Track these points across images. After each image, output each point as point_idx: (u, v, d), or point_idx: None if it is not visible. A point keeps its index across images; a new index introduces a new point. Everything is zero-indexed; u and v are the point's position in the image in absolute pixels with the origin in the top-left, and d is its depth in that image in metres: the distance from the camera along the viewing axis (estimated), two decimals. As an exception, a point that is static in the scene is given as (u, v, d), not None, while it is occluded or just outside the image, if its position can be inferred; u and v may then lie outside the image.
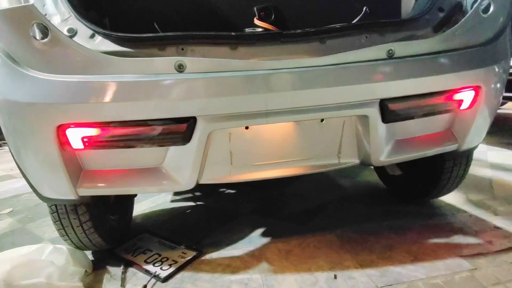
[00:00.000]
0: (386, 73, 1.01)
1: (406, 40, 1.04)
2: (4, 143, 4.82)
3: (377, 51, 1.00)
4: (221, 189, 2.00)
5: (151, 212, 1.79)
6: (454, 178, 1.42)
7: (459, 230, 1.37)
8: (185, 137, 0.95)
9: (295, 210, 1.67)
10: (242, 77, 0.92)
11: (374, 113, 1.04)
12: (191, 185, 1.06)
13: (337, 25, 1.05)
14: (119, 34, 0.95)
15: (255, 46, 1.00)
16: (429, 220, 1.46)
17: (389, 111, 1.05)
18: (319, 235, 1.40)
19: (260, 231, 1.49)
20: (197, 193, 1.98)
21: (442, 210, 1.55)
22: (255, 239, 1.42)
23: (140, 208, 1.81)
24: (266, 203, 1.79)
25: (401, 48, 0.99)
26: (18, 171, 1.06)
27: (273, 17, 1.27)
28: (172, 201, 1.92)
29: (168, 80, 0.89)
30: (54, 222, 1.20)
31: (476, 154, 1.42)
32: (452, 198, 1.62)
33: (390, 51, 1.00)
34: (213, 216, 1.68)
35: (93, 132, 0.92)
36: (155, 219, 1.71)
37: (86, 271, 1.21)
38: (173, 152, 1.01)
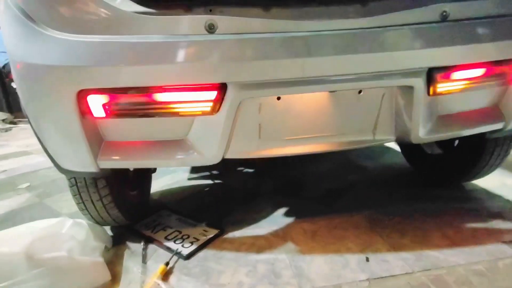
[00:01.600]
0: (438, 38, 0.90)
1: (461, 1, 0.92)
2: (19, 120, 4.86)
3: (430, 12, 0.89)
4: (240, 168, 1.95)
5: (169, 189, 1.75)
6: (494, 159, 1.32)
7: (497, 215, 1.28)
8: (214, 107, 0.87)
9: (318, 190, 1.61)
10: (278, 39, 0.82)
11: (420, 84, 0.94)
12: (217, 160, 0.99)
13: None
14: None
15: (291, 7, 0.90)
16: (464, 204, 1.37)
17: (437, 82, 0.95)
18: (345, 216, 1.33)
19: (283, 210, 1.43)
20: (215, 172, 1.92)
21: (477, 194, 1.46)
22: (279, 219, 1.36)
23: (158, 185, 1.77)
24: (287, 183, 1.73)
25: (457, 9, 0.88)
26: (35, 148, 1.02)
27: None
28: (190, 178, 1.87)
29: (197, 42, 0.81)
30: (74, 195, 1.16)
31: None
32: (487, 182, 1.52)
33: (444, 13, 0.89)
34: (232, 195, 1.63)
35: (115, 99, 0.85)
36: (174, 196, 1.67)
37: (106, 246, 1.18)
38: (200, 123, 0.93)
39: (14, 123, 4.93)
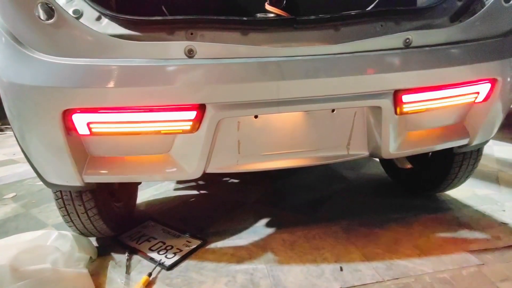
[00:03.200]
0: (402, 63, 0.98)
1: (422, 29, 1.00)
2: (6, 127, 4.81)
3: (394, 39, 0.97)
4: (225, 178, 1.99)
5: (154, 200, 1.78)
6: (463, 172, 1.40)
7: (466, 224, 1.36)
8: (194, 125, 0.92)
9: (300, 201, 1.67)
10: (254, 64, 0.89)
11: (387, 104, 1.01)
12: (198, 174, 1.04)
13: (352, 12, 1.01)
14: (127, 16, 0.92)
15: (267, 32, 0.97)
16: (435, 214, 1.45)
17: (402, 102, 1.02)
18: (324, 227, 1.39)
19: (264, 221, 1.48)
20: (201, 182, 1.97)
21: (449, 204, 1.54)
22: (260, 229, 1.41)
23: (144, 195, 1.80)
24: (271, 193, 1.78)
25: (419, 37, 0.96)
26: (21, 156, 1.05)
27: (284, 2, 1.23)
28: (176, 189, 1.91)
29: (177, 66, 0.86)
30: (59, 208, 1.19)
31: (483, 149, 1.40)
32: (458, 193, 1.61)
33: (407, 40, 0.97)
34: (217, 205, 1.68)
35: (99, 118, 0.90)
36: (159, 207, 1.70)
37: (91, 257, 1.21)
38: (181, 140, 0.99)
39: (1, 130, 4.88)
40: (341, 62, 0.95)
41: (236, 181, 1.96)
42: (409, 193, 1.64)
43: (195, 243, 1.32)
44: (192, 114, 0.91)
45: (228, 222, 1.49)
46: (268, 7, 1.17)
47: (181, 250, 1.27)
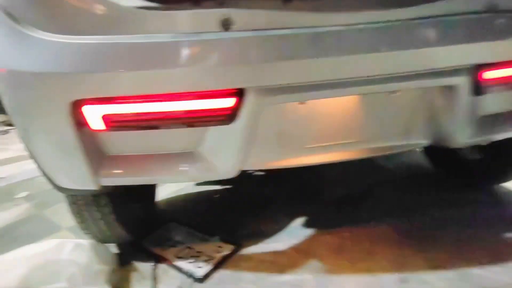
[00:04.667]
0: (486, 31, 0.78)
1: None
2: (16, 122, 4.72)
3: (477, 0, 0.76)
4: (250, 171, 1.83)
5: (176, 197, 1.63)
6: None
7: (539, 222, 1.17)
8: (232, 115, 0.75)
9: (336, 196, 1.49)
10: (306, 35, 0.70)
11: (463, 83, 0.82)
12: (233, 173, 0.87)
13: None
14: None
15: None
16: (500, 209, 1.26)
17: (483, 80, 0.82)
18: (371, 227, 1.22)
19: (301, 220, 1.32)
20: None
21: (510, 198, 1.34)
22: (298, 230, 1.25)
23: (163, 192, 1.65)
24: (302, 187, 1.61)
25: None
26: None
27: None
28: (198, 184, 1.76)
29: (211, 41, 0.68)
30: (73, 214, 1.04)
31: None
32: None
33: (492, 2, 0.76)
34: (244, 202, 1.52)
35: (117, 109, 0.73)
36: (181, 205, 1.56)
37: (111, 268, 1.07)
38: (214, 133, 0.81)
39: (11, 124, 4.81)
40: (411, 31, 0.75)
41: (262, 173, 1.79)
42: (464, 185, 1.44)
43: (227, 248, 1.16)
44: (230, 102, 0.73)
45: (261, 222, 1.33)
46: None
47: (212, 258, 1.12)
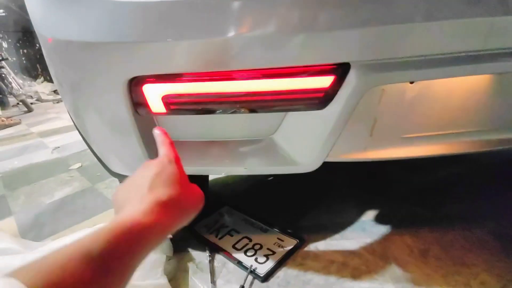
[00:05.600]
0: None
1: None
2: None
3: None
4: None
5: (227, 178, 1.53)
6: None
7: None
8: (326, 98, 0.58)
9: (412, 187, 1.29)
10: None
11: None
12: (314, 166, 0.72)
13: None
14: None
15: None
16: None
17: None
18: (462, 229, 1.02)
19: (372, 214, 1.15)
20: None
21: None
22: (369, 227, 1.09)
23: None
24: (369, 174, 1.42)
25: None
26: None
27: None
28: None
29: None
30: (128, 199, 0.96)
31: None
32: None
33: None
34: (302, 187, 1.37)
35: (181, 89, 0.59)
36: (233, 188, 1.45)
37: (167, 256, 1.00)
38: (295, 118, 0.65)
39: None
40: None
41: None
42: None
43: (289, 242, 1.04)
44: (326, 81, 0.56)
45: (324, 213, 1.18)
46: None
47: (274, 252, 1.01)
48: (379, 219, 1.12)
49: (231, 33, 0.51)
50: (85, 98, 0.66)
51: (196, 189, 0.50)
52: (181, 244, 1.09)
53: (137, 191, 0.44)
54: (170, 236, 1.12)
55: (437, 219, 1.08)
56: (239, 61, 0.54)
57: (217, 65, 0.55)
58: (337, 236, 1.06)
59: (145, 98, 0.60)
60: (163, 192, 0.44)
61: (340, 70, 0.54)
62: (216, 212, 1.25)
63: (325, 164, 0.72)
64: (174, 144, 0.56)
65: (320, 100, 0.58)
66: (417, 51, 0.54)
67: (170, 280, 0.91)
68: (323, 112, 0.60)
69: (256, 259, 0.99)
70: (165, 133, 0.54)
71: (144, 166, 0.50)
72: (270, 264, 0.96)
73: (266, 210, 1.23)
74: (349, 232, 1.07)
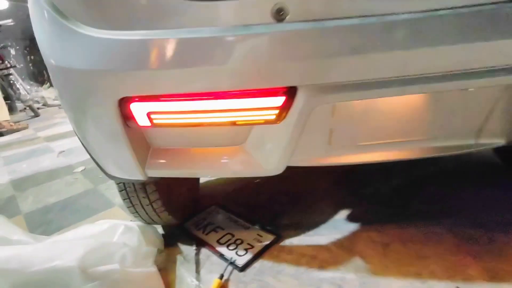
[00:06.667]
0: None
1: None
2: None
3: None
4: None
5: (218, 180, 1.66)
6: None
7: None
8: (280, 114, 0.70)
9: (384, 188, 1.41)
10: (373, 26, 0.61)
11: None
12: (278, 171, 0.84)
13: None
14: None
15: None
16: None
17: None
18: (422, 226, 1.14)
19: (345, 213, 1.27)
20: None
21: None
22: (342, 224, 1.21)
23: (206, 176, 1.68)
24: (346, 176, 1.54)
25: None
26: None
27: None
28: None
29: (262, 34, 0.62)
30: (123, 199, 1.09)
31: None
32: None
33: None
34: (286, 189, 1.49)
35: (162, 107, 0.72)
36: (223, 189, 1.58)
37: (158, 249, 1.12)
38: (260, 131, 0.78)
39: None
40: (496, 17, 0.62)
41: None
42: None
43: (267, 238, 1.16)
44: (279, 101, 0.68)
45: (302, 212, 1.30)
46: None
47: (252, 246, 1.13)
48: (350, 218, 1.24)
49: (202, 64, 0.64)
50: (83, 113, 0.78)
51: None
52: (172, 239, 1.21)
53: None
54: (162, 232, 1.25)
55: (402, 217, 1.20)
56: (210, 85, 0.67)
57: (191, 88, 0.67)
58: (310, 232, 1.18)
59: (132, 114, 0.73)
60: None
61: (290, 92, 0.66)
62: (205, 211, 1.37)
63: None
64: None
65: (276, 116, 0.70)
66: (360, 77, 0.66)
67: (160, 270, 1.04)
68: (280, 125, 0.72)
69: (236, 252, 1.11)
70: None
71: None
72: (248, 256, 1.08)
73: (250, 209, 1.35)
74: (321, 229, 1.19)
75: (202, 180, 1.57)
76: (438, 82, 0.68)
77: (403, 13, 0.61)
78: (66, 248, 0.92)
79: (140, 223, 1.17)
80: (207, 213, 1.36)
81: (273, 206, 1.36)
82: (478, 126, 0.84)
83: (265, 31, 0.61)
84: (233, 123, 0.74)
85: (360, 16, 0.60)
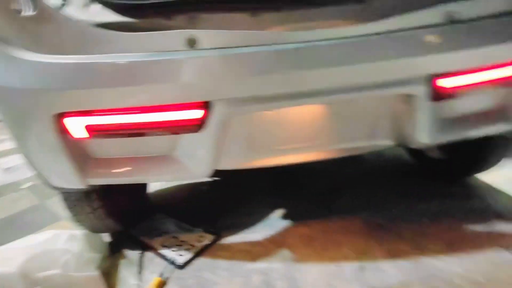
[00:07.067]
0: (442, 42, 0.83)
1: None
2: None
3: (431, 14, 0.81)
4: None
5: (166, 188, 1.74)
6: (500, 156, 1.27)
7: (500, 214, 1.25)
8: (200, 125, 0.83)
9: (317, 189, 1.58)
10: (266, 53, 0.76)
11: (421, 91, 0.88)
12: (207, 174, 0.96)
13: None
14: (119, 1, 0.80)
15: (282, 11, 0.83)
16: (466, 202, 1.34)
17: (440, 88, 0.88)
18: (343, 219, 1.31)
19: (280, 212, 1.42)
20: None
21: (481, 191, 1.42)
22: (276, 222, 1.35)
23: (154, 184, 1.75)
24: (285, 181, 1.70)
25: (464, 9, 0.80)
26: None
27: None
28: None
29: (177, 59, 0.75)
30: (68, 209, 1.15)
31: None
32: (490, 176, 1.47)
33: (449, 14, 0.81)
34: (230, 194, 1.62)
35: (96, 121, 0.82)
36: (171, 196, 1.66)
37: (103, 255, 1.19)
38: (186, 140, 0.90)
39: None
40: (368, 45, 0.81)
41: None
42: (435, 178, 1.52)
43: (208, 238, 1.27)
44: (198, 113, 0.81)
45: (242, 214, 1.43)
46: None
47: (194, 246, 1.23)
48: (283, 216, 1.39)
49: (128, 84, 0.75)
50: (23, 129, 0.85)
51: None
52: (117, 246, 1.28)
53: None
54: (109, 239, 1.31)
55: (326, 212, 1.37)
56: (135, 101, 0.78)
57: (119, 104, 0.78)
58: (247, 231, 1.31)
59: (66, 128, 0.81)
60: None
61: (207, 106, 0.80)
62: (153, 217, 1.45)
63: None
64: None
65: (197, 126, 0.83)
66: (261, 92, 0.81)
67: (103, 274, 1.10)
68: (201, 134, 0.85)
69: (178, 253, 1.20)
70: None
71: None
72: (189, 255, 1.18)
73: (195, 214, 1.45)
74: (258, 227, 1.32)
75: (151, 189, 1.65)
76: (329, 95, 0.85)
77: (290, 43, 0.77)
78: (7, 256, 0.96)
79: (85, 231, 1.23)
80: (154, 220, 1.43)
81: (217, 210, 1.48)
82: (370, 131, 1.03)
83: (181, 56, 0.75)
84: (161, 133, 0.85)
85: (255, 46, 0.76)
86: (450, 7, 0.79)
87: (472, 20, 0.80)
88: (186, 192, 1.69)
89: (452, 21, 0.82)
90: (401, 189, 1.49)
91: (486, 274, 0.99)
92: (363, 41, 0.81)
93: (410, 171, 1.64)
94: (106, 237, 1.32)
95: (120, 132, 0.85)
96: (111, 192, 1.20)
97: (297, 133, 1.01)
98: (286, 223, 1.33)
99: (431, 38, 0.82)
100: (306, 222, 1.31)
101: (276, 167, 1.16)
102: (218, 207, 1.50)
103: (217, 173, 0.98)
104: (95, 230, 1.25)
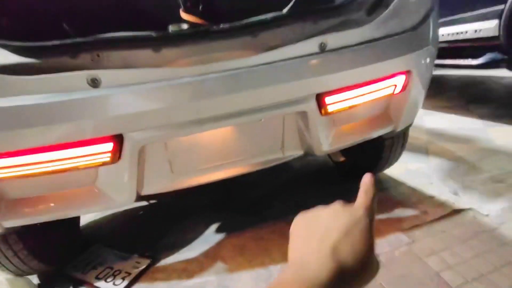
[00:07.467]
0: (320, 67, 0.99)
1: (341, 25, 1.00)
2: None
3: (309, 45, 0.97)
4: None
5: (102, 218, 1.70)
6: (393, 154, 1.49)
7: (399, 202, 1.47)
8: (114, 156, 0.88)
9: (249, 200, 1.68)
10: (166, 87, 0.85)
11: (311, 108, 1.03)
12: (131, 201, 1.00)
13: (268, 17, 0.99)
14: (19, 43, 0.82)
15: (181, 46, 0.92)
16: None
17: (326, 104, 1.04)
18: (271, 225, 1.43)
19: (214, 227, 1.49)
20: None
21: (385, 184, 1.64)
22: (211, 237, 1.42)
23: (90, 215, 1.71)
24: (220, 195, 1.78)
25: (333, 40, 0.97)
26: None
27: (200, 7, 1.18)
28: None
29: (82, 98, 0.80)
30: (-15, 255, 1.09)
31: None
32: (394, 170, 1.71)
33: (322, 44, 0.97)
34: (167, 215, 1.65)
35: (5, 163, 0.82)
36: (107, 226, 1.64)
37: (31, 299, 1.14)
38: (104, 170, 0.94)
39: None
40: (260, 73, 0.93)
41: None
42: (348, 178, 1.72)
43: (144, 263, 1.29)
44: (109, 146, 0.86)
45: (178, 233, 1.47)
46: (183, 15, 1.11)
47: (129, 274, 1.24)
48: (217, 230, 1.46)
49: (30, 126, 0.77)
50: None
51: (375, 258, 0.37)
52: (48, 286, 1.23)
53: (319, 246, 0.36)
54: (38, 281, 1.26)
55: (256, 221, 1.47)
56: (43, 140, 0.80)
57: (26, 145, 0.80)
58: (183, 249, 1.35)
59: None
60: (347, 261, 0.34)
61: (117, 138, 0.85)
62: (86, 251, 1.42)
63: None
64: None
65: (110, 158, 0.87)
66: (167, 122, 0.88)
67: (31, 318, 1.06)
68: (118, 164, 0.90)
69: (114, 283, 1.21)
70: (373, 183, 0.42)
71: (336, 210, 0.42)
72: (124, 283, 1.19)
73: (132, 240, 1.45)
74: (194, 244, 1.38)
75: (86, 220, 1.60)
76: (233, 118, 0.96)
77: (189, 77, 0.86)
78: None
79: (9, 276, 1.17)
80: (89, 253, 1.41)
81: (153, 233, 1.49)
82: (280, 144, 1.16)
83: (84, 95, 0.79)
84: (77, 168, 0.88)
85: (154, 82, 0.83)
86: (322, 39, 0.95)
87: (340, 48, 0.98)
88: (122, 219, 1.67)
89: (326, 50, 0.98)
90: (322, 191, 1.67)
91: (386, 256, 1.17)
92: (255, 70, 0.93)
93: (331, 173, 1.83)
94: (35, 279, 1.27)
95: (33, 171, 0.86)
96: (36, 232, 1.16)
97: (215, 153, 1.10)
98: (220, 236, 1.41)
99: (312, 64, 0.98)
100: (238, 233, 1.40)
101: (209, 184, 1.25)
102: (155, 230, 1.52)
103: (149, 197, 1.02)
104: (22, 273, 1.20)
